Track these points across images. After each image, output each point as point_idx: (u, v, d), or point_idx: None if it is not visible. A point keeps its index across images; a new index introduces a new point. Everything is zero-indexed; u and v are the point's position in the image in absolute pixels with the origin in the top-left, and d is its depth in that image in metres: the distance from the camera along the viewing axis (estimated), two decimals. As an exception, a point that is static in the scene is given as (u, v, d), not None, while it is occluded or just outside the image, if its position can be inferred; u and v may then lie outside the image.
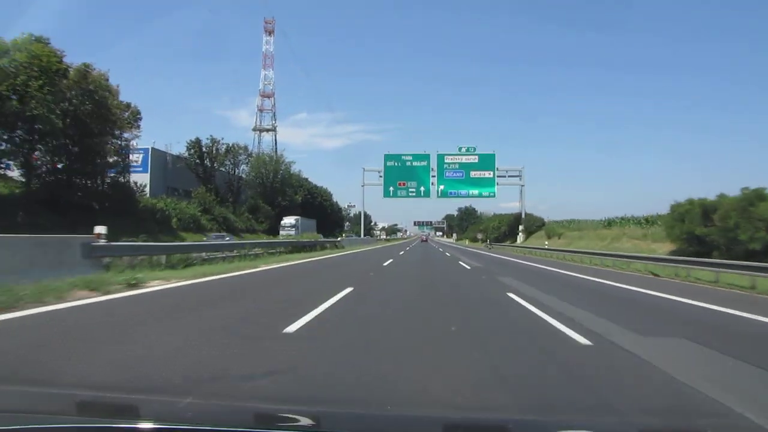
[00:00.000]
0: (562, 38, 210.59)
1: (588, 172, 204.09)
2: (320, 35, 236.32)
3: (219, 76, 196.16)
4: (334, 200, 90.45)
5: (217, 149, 62.63)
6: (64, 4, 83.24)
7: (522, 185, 59.03)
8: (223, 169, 66.14)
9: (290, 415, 2.46)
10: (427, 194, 58.11)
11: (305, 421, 2.38)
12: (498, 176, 57.53)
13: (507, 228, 69.01)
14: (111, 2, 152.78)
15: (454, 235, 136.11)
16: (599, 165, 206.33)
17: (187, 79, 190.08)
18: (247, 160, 68.40)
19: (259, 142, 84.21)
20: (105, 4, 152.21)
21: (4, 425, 1.72)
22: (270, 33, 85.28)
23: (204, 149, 61.56)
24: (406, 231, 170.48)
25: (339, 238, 43.69)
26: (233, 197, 66.41)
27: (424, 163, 57.91)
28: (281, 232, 53.94)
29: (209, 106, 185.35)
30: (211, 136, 62.48)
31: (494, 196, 57.73)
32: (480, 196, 58.19)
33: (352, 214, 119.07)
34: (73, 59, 33.44)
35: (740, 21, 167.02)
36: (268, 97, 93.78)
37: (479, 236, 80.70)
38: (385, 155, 58.53)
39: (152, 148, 58.04)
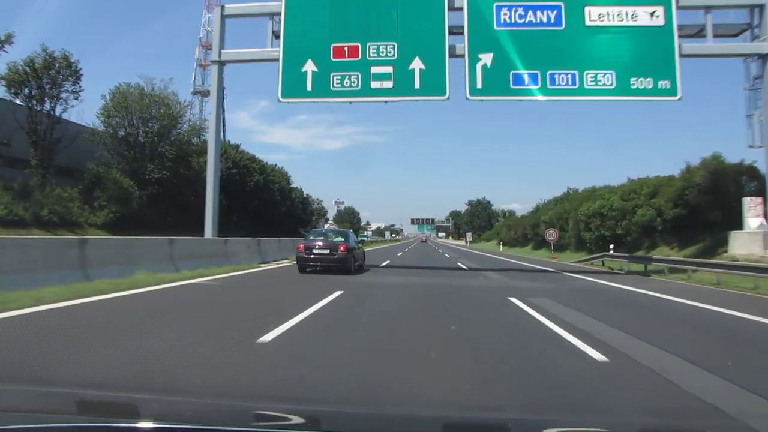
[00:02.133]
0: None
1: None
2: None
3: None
4: (296, 185, 56.70)
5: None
6: (63, 3, 77.11)
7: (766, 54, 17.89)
8: (18, 101, 30.43)
9: (290, 415, 2.39)
10: (438, 90, 14.81)
11: (305, 421, 2.34)
12: (681, 31, 16.70)
13: (672, 212, 26.68)
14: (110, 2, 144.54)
15: (468, 235, 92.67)
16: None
17: (187, 79, 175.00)
18: (77, 88, 31.89)
19: (200, 111, 53.76)
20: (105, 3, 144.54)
21: (4, 425, 1.72)
22: (211, -40, 55.29)
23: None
24: (402, 231, 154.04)
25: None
26: (40, 155, 30.50)
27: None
28: None
29: (209, 107, 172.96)
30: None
31: (675, 95, 16.31)
32: (625, 92, 15.18)
33: (333, 212, 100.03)
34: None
35: None
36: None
37: (550, 236, 34.67)
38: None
39: None
